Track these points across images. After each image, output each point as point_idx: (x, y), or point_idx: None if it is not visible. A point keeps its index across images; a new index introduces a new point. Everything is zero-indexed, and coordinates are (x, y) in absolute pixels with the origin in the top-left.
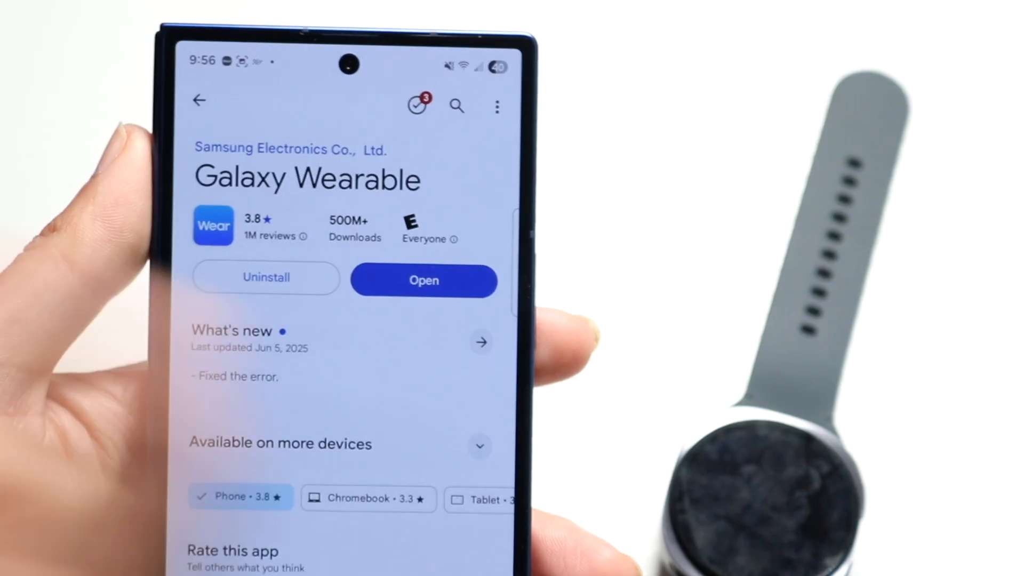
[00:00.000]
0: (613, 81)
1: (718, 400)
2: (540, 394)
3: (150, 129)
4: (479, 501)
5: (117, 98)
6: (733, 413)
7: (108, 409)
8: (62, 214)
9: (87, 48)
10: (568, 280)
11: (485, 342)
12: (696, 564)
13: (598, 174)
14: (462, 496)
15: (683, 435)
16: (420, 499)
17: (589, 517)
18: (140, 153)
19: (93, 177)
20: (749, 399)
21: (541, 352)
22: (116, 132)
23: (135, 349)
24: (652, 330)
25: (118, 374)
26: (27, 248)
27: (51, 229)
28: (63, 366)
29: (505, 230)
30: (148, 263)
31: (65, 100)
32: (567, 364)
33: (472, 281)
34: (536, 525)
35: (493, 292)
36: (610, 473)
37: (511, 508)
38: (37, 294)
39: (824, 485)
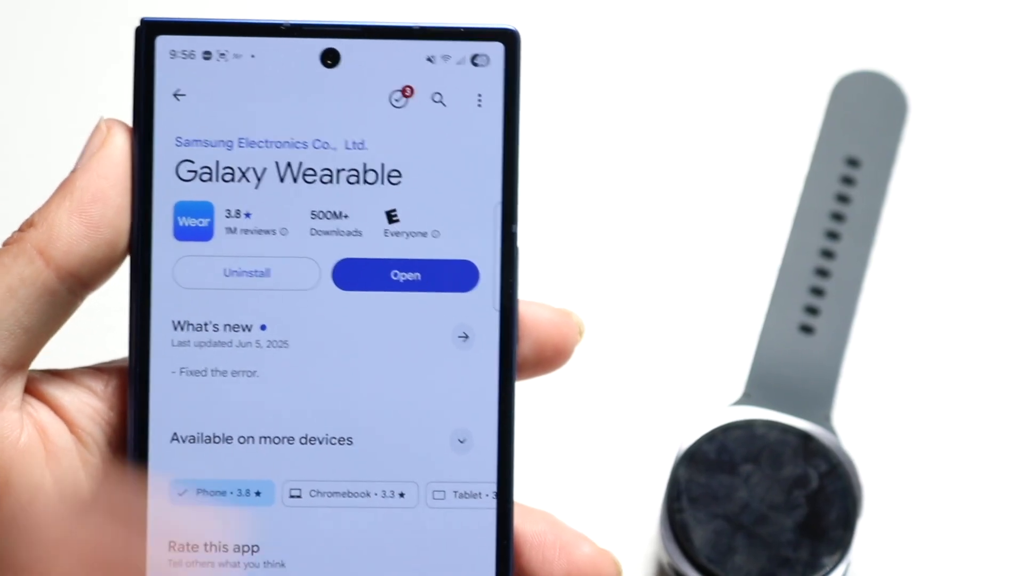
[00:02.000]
0: (603, 77)
1: (716, 399)
2: (538, 393)
3: (131, 124)
4: (461, 496)
5: (116, 98)
6: (731, 412)
7: (88, 405)
8: (39, 209)
9: (87, 48)
10: (565, 278)
11: (467, 337)
12: (694, 563)
13: (592, 172)
14: (444, 491)
15: (681, 434)
16: (402, 494)
17: (587, 516)
18: (119, 148)
19: (72, 172)
20: (747, 398)
21: (524, 346)
22: (96, 126)
23: (116, 345)
24: (650, 329)
25: (99, 370)
26: (4, 244)
27: (28, 224)
28: (43, 362)
29: (487, 225)
30: (128, 259)
31: (65, 100)
32: (550, 358)
33: (454, 276)
34: (516, 519)
35: (475, 287)
36: (608, 472)
37: (493, 503)
38: (11, 289)
39: (822, 484)
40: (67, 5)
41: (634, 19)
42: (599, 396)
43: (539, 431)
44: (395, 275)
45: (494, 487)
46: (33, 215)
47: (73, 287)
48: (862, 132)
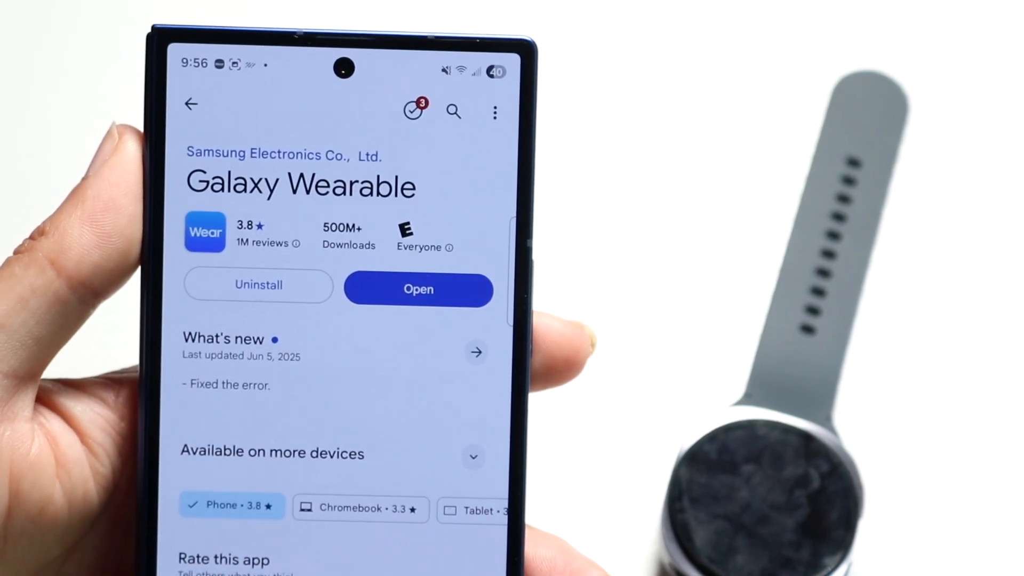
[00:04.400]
0: (611, 83)
1: (717, 399)
2: (539, 394)
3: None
4: (472, 512)
5: (117, 98)
6: (732, 412)
7: (99, 415)
8: (51, 218)
9: (87, 48)
10: (565, 277)
11: (480, 352)
12: (695, 563)
13: (597, 177)
14: (455, 507)
15: (682, 434)
16: (413, 509)
17: (588, 517)
18: (131, 156)
19: (83, 179)
20: (748, 398)
21: (535, 359)
22: (108, 132)
23: (114, 345)
24: (651, 329)
25: (110, 380)
26: (15, 252)
27: (39, 233)
28: (54, 371)
29: (502, 239)
30: (139, 268)
31: (65, 100)
32: (562, 371)
33: (468, 290)
34: (528, 543)
35: (489, 302)
36: (609, 472)
37: (504, 519)
38: (23, 300)
39: (823, 484)
40: (67, 5)
41: (640, 26)
42: (600, 396)
43: (537, 432)
44: (408, 289)
45: (506, 503)
46: (44, 223)
47: (84, 297)
48: (863, 132)
